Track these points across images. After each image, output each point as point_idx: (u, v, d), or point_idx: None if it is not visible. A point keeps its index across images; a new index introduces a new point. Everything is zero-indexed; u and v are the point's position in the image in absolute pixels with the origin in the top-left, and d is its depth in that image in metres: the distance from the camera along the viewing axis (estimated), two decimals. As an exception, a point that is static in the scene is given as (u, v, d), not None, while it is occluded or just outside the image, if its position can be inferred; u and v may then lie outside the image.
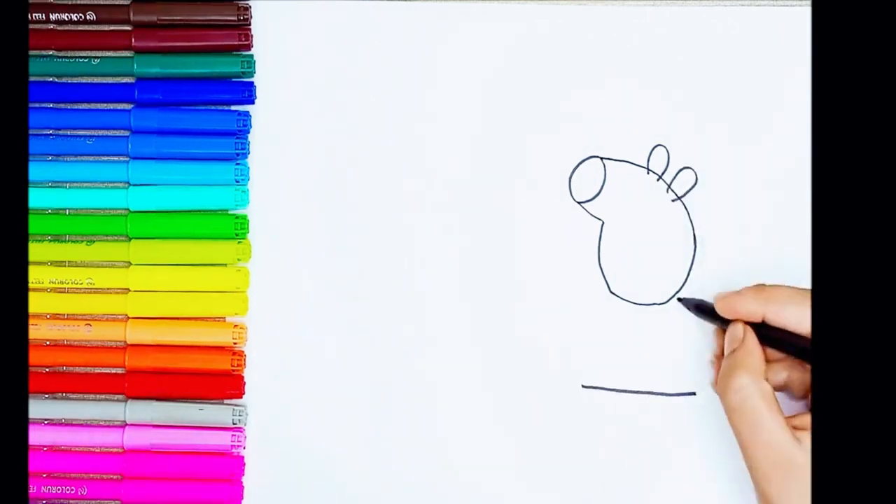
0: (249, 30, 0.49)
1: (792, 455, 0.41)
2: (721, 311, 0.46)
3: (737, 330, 0.45)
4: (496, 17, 0.50)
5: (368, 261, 0.50)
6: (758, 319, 0.44)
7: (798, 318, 0.43)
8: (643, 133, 0.50)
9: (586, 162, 0.50)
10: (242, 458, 0.49)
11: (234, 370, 0.49)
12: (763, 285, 0.45)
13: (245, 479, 0.50)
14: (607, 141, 0.50)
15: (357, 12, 0.50)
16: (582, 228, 0.50)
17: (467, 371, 0.50)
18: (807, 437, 0.41)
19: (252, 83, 0.50)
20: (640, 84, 0.50)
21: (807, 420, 0.42)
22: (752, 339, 0.44)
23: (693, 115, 0.50)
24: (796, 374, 0.45)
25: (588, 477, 0.49)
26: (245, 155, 0.50)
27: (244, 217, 0.50)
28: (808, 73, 0.49)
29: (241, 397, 0.50)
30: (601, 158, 0.50)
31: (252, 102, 0.50)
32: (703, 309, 0.47)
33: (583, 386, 0.50)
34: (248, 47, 0.49)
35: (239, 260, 0.50)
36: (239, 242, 0.50)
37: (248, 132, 0.50)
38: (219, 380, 0.49)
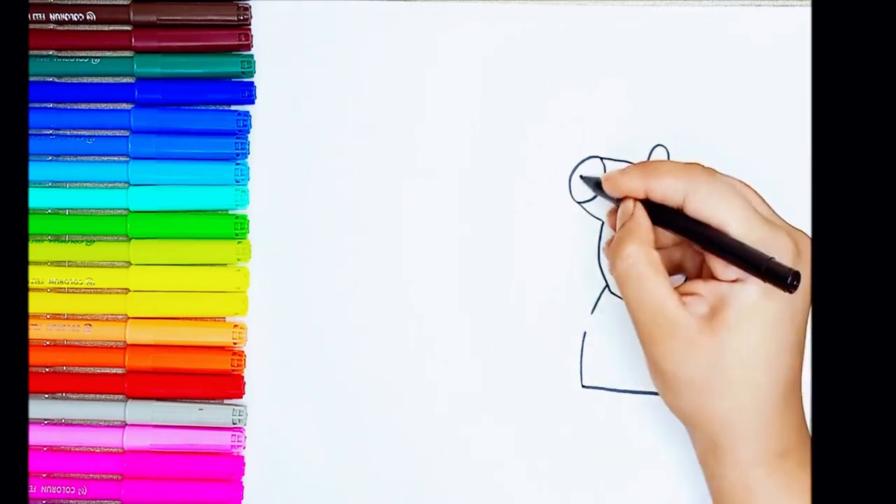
0: (249, 30, 0.49)
1: (675, 316, 0.42)
2: (608, 189, 0.46)
3: (627, 205, 0.45)
4: (496, 16, 0.50)
5: (368, 260, 0.50)
6: (641, 195, 0.44)
7: (675, 188, 0.43)
8: (643, 133, 0.50)
9: (586, 162, 0.50)
10: (242, 458, 0.49)
11: (234, 370, 0.49)
12: (646, 161, 0.46)
13: (245, 479, 0.50)
14: (607, 141, 0.50)
15: (357, 12, 0.50)
16: (582, 228, 0.50)
17: (467, 370, 0.50)
18: (693, 302, 0.42)
19: (252, 83, 0.50)
20: (639, 84, 0.50)
21: (693, 286, 0.43)
22: (640, 211, 0.44)
23: (693, 115, 0.50)
24: (689, 254, 0.46)
25: (588, 477, 0.49)
26: (245, 155, 0.50)
27: (244, 217, 0.50)
28: (808, 73, 0.49)
29: (241, 397, 0.50)
30: (601, 158, 0.50)
31: (252, 102, 0.50)
32: (601, 187, 0.47)
33: (583, 386, 0.50)
34: (248, 47, 0.49)
35: (239, 260, 0.50)
36: (239, 242, 0.50)
37: (248, 132, 0.50)
38: (219, 380, 0.49)
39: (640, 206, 0.45)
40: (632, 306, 0.43)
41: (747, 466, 0.42)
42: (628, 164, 0.49)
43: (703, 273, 0.45)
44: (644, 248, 0.43)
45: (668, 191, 0.43)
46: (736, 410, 0.42)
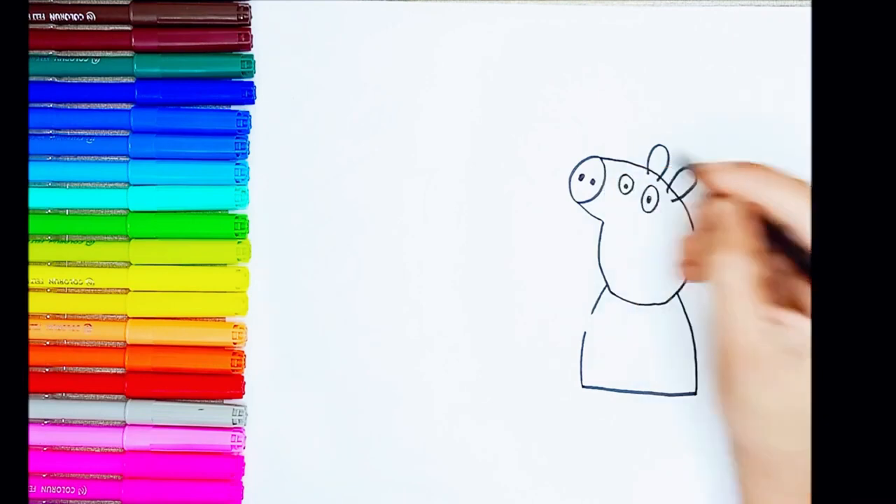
0: (249, 30, 0.49)
1: (758, 344, 0.40)
2: (711, 180, 0.43)
3: (728, 205, 0.43)
4: (496, 16, 0.50)
5: (368, 261, 0.50)
6: (749, 199, 0.42)
7: (788, 206, 0.41)
8: (643, 133, 0.50)
9: (586, 162, 0.50)
10: (242, 458, 0.49)
11: (234, 370, 0.49)
12: (762, 166, 0.43)
13: (245, 479, 0.50)
14: (607, 141, 0.50)
15: (357, 12, 0.50)
16: (582, 228, 0.50)
17: (467, 371, 0.50)
18: (781, 333, 0.40)
19: (252, 83, 0.50)
20: (640, 84, 0.50)
21: (785, 317, 0.40)
22: (747, 219, 0.42)
23: (693, 115, 0.50)
24: (783, 278, 0.43)
25: (589, 477, 0.49)
26: (245, 155, 0.50)
27: (244, 217, 0.50)
28: (808, 73, 0.49)
29: (241, 397, 0.50)
30: (601, 158, 0.50)
31: (252, 102, 0.50)
32: (697, 173, 0.45)
33: (583, 386, 0.50)
34: (248, 47, 0.49)
35: (239, 260, 0.50)
36: (239, 242, 0.50)
37: (248, 132, 0.50)
38: (219, 380, 0.49)
39: (747, 213, 0.42)
40: (716, 316, 0.41)
41: (793, 497, 0.41)
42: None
43: (798, 304, 0.42)
44: (744, 260, 0.41)
45: (781, 206, 0.41)
46: (804, 454, 0.40)
